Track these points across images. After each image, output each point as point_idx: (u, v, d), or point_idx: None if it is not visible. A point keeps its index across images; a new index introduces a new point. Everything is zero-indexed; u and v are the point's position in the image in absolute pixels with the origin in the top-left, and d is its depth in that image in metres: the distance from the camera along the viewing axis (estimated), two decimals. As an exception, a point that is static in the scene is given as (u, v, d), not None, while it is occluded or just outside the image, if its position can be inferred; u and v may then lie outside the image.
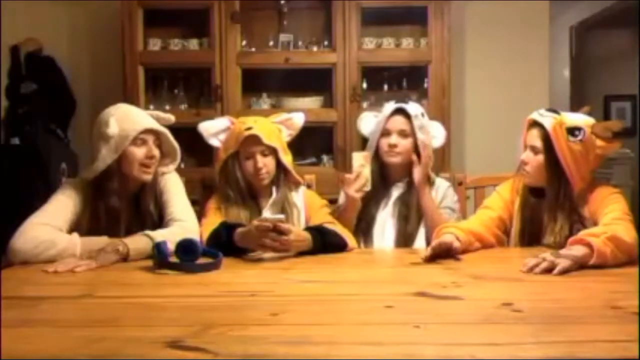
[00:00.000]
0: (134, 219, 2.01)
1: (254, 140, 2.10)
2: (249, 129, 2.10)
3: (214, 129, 2.20)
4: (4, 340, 1.09)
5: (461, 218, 2.27)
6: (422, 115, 2.25)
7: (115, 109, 2.00)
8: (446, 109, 3.20)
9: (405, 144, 2.21)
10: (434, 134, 2.29)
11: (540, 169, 1.96)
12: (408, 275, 1.70)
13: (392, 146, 2.20)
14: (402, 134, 2.21)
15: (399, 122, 2.22)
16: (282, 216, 1.92)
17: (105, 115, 1.97)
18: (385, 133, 2.22)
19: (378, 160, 2.24)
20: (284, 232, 1.82)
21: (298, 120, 2.26)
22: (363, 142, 2.47)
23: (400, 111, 2.22)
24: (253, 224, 1.83)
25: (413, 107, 2.24)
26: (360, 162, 2.12)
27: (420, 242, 2.17)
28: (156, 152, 2.01)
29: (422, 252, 1.86)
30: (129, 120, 1.97)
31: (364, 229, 2.21)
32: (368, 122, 2.31)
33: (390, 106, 2.24)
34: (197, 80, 3.33)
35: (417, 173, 2.18)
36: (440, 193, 2.27)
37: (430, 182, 2.25)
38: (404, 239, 2.19)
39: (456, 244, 1.86)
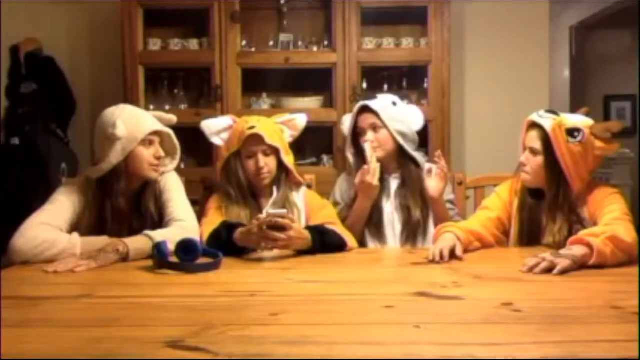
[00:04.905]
0: (135, 218, 2.02)
1: (257, 139, 2.10)
2: (251, 127, 2.10)
3: (217, 127, 2.20)
4: (4, 340, 1.09)
5: (459, 213, 2.30)
6: (394, 104, 2.28)
7: (121, 110, 1.99)
8: (446, 109, 3.20)
9: (380, 137, 2.24)
10: (411, 118, 2.31)
11: (540, 171, 1.96)
12: (408, 275, 1.70)
13: (370, 142, 2.22)
14: (374, 127, 2.24)
15: (367, 118, 2.26)
16: (284, 211, 1.92)
17: (110, 116, 1.97)
18: (360, 132, 2.27)
19: (364, 159, 2.22)
20: (284, 227, 1.82)
21: (301, 121, 2.27)
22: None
23: (366, 108, 2.26)
24: (254, 223, 1.83)
25: (380, 101, 2.28)
26: (371, 151, 2.17)
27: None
28: (162, 152, 2.03)
29: (423, 252, 1.86)
30: (136, 121, 1.98)
31: (375, 222, 2.24)
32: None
33: (357, 105, 2.29)
34: (197, 80, 3.33)
35: (431, 189, 2.15)
36: None
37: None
38: (412, 229, 2.22)
39: (459, 246, 1.85)
